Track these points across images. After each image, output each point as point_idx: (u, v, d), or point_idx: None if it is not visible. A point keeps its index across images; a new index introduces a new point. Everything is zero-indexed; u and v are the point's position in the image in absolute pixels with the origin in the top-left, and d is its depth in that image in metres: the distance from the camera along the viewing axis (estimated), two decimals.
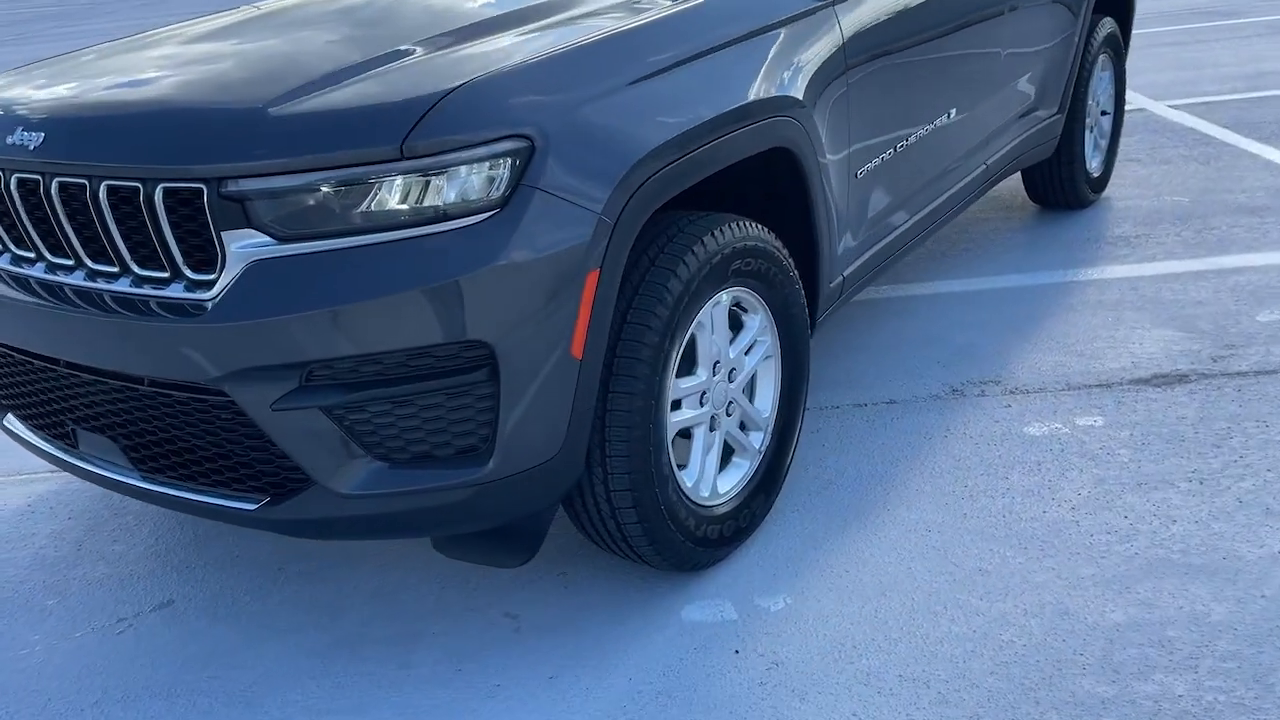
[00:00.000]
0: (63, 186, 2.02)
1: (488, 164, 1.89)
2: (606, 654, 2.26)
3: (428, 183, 1.87)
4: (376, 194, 1.86)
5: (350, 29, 2.46)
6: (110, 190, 1.96)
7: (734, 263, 2.32)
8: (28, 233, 2.15)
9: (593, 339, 2.02)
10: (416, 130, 1.84)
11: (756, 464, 2.59)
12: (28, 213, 2.12)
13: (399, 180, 1.86)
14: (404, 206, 1.87)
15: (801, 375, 2.67)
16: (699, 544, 2.38)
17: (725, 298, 2.36)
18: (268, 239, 1.88)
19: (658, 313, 2.13)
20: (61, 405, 2.31)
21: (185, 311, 1.93)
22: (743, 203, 2.68)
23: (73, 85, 2.20)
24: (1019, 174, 4.48)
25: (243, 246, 1.88)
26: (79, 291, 2.08)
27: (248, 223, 1.87)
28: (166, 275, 1.97)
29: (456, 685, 2.21)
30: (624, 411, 2.12)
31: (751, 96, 2.33)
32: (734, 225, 2.31)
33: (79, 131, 2.03)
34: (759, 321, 2.51)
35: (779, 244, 2.48)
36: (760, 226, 2.41)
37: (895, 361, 3.44)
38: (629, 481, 2.17)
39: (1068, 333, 3.54)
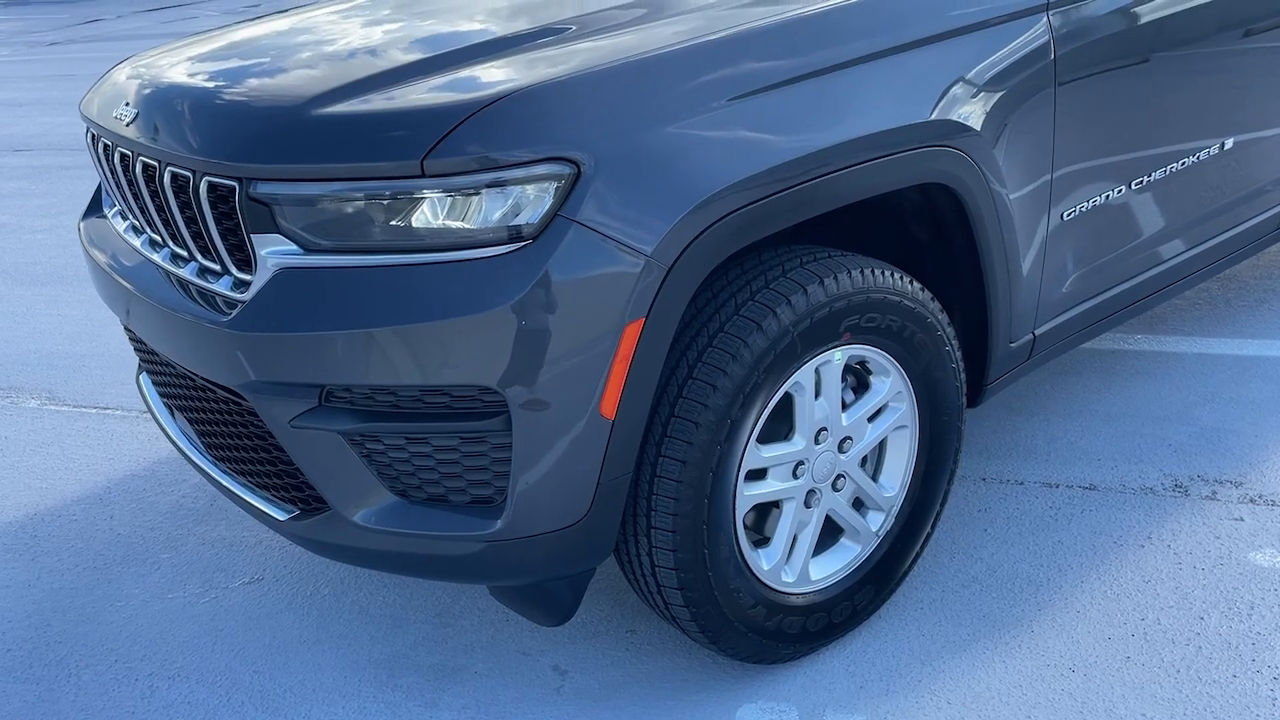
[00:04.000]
0: (145, 166, 2.00)
1: (519, 189, 1.64)
2: None
3: (452, 204, 1.66)
4: (399, 212, 1.67)
5: (425, 24, 2.25)
6: (173, 176, 1.90)
7: (850, 318, 1.93)
8: (129, 205, 2.17)
9: (630, 397, 1.73)
10: (441, 146, 1.62)
11: (871, 550, 2.19)
12: (128, 186, 2.13)
13: (422, 199, 1.65)
14: (425, 228, 1.67)
15: (945, 453, 2.23)
16: (769, 637, 2.05)
17: (838, 357, 1.98)
18: (295, 247, 1.75)
19: (729, 371, 1.81)
20: (159, 377, 2.33)
21: (222, 310, 1.85)
22: (904, 242, 2.26)
23: (168, 68, 2.17)
24: None
25: (271, 252, 1.76)
26: (163, 271, 2.06)
27: (275, 228, 1.75)
28: (219, 269, 1.90)
29: None
30: (672, 481, 1.82)
31: (892, 123, 1.90)
32: (854, 273, 1.92)
33: (149, 114, 1.99)
34: (890, 386, 2.10)
35: (924, 297, 2.05)
36: (897, 274, 2.00)
37: (1114, 436, 2.85)
38: (674, 560, 1.88)
39: None
